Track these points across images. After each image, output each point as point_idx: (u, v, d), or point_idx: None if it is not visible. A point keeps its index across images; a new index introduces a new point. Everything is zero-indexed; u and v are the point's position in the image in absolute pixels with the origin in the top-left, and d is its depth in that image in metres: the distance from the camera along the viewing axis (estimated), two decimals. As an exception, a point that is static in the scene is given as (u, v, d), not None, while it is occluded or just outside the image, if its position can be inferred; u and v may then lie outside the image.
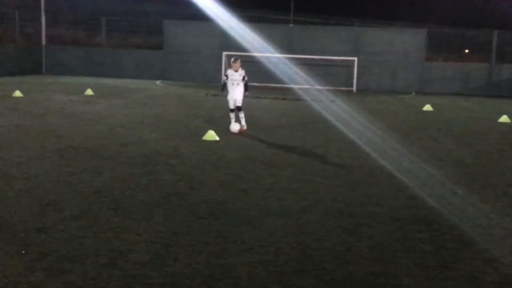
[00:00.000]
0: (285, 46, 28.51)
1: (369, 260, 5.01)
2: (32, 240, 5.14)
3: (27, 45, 29.99)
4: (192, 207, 6.42)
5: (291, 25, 33.73)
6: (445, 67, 29.22)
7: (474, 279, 4.69)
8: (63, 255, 4.79)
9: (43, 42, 30.85)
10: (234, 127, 12.00)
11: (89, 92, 19.71)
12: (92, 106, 15.99)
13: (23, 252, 4.84)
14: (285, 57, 27.41)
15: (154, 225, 5.70)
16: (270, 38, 28.03)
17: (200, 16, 29.68)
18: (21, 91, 18.27)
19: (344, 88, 27.46)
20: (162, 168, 8.34)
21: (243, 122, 12.32)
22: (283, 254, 5.06)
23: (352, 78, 27.61)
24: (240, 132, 11.95)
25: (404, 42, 28.66)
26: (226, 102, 12.44)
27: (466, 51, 35.34)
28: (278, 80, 26.72)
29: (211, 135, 11.06)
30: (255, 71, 27.01)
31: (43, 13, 30.62)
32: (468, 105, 22.19)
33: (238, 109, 12.15)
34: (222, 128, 12.17)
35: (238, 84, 12.02)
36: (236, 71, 12.03)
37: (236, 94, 12.05)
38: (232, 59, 12.32)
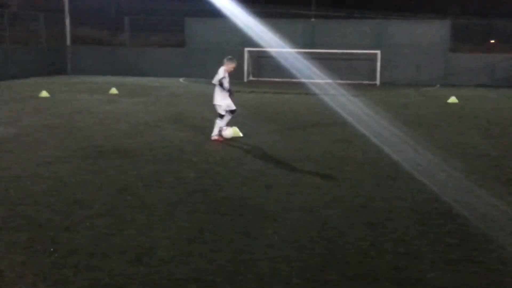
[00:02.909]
0: (307, 41, 28.42)
1: (393, 254, 5.00)
2: (60, 238, 5.25)
3: (52, 46, 30.46)
4: (216, 203, 6.48)
5: (313, 19, 33.58)
6: (471, 58, 28.73)
7: (499, 272, 4.64)
8: (90, 252, 4.89)
9: (68, 42, 31.29)
10: (228, 132, 10.81)
11: (113, 91, 19.95)
12: (116, 105, 16.19)
13: (52, 249, 4.95)
14: (307, 52, 27.30)
15: (178, 222, 5.77)
16: (292, 33, 27.96)
17: (221, 13, 29.74)
18: (48, 91, 18.59)
19: (367, 82, 27.26)
20: (186, 165, 8.43)
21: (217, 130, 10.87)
22: (306, 249, 5.08)
23: (375, 72, 27.37)
24: (221, 141, 10.66)
25: (427, 33, 28.28)
26: (218, 107, 10.77)
27: (492, 41, 34.71)
28: (300, 75, 26.64)
29: (235, 131, 11.09)
30: (277, 66, 27.02)
31: (67, 14, 31.06)
32: (495, 96, 21.82)
33: (233, 112, 10.90)
34: (246, 125, 12.20)
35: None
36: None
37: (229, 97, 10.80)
38: (230, 58, 11.00)
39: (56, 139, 10.46)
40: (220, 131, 10.74)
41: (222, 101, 10.70)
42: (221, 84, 10.57)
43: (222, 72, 10.65)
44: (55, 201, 6.46)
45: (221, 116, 10.71)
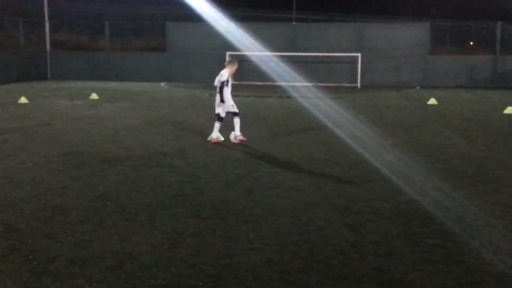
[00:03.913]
0: (288, 44, 28.52)
1: (374, 255, 5.02)
2: (39, 245, 5.19)
3: (31, 51, 30.15)
4: (198, 208, 6.45)
5: (294, 23, 33.71)
6: (449, 60, 29.10)
7: (480, 271, 4.69)
8: (70, 259, 4.84)
9: (48, 48, 31.00)
10: (232, 136, 10.88)
11: (94, 96, 19.79)
12: (97, 110, 16.06)
13: (30, 257, 4.88)
14: (289, 55, 27.40)
15: (159, 227, 5.73)
16: (273, 36, 28.04)
17: (202, 17, 29.71)
18: (27, 98, 18.37)
19: (348, 85, 27.42)
20: (168, 170, 8.39)
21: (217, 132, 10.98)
22: (288, 252, 5.08)
23: (356, 74, 27.55)
24: (218, 143, 10.77)
25: (407, 36, 28.56)
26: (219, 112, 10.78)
27: (471, 43, 35.19)
28: (282, 79, 26.71)
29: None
30: (258, 70, 27.06)
31: (46, 19, 30.78)
32: (473, 97, 22.09)
33: (236, 114, 10.91)
34: (227, 129, 12.18)
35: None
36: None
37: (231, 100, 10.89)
38: (231, 60, 11.28)
39: (35, 145, 10.34)
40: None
41: (227, 101, 10.71)
42: (221, 88, 10.58)
43: (226, 75, 10.65)
44: (34, 207, 6.38)
45: (221, 119, 10.74)
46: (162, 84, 28.14)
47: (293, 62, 27.20)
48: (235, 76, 10.82)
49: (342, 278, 4.54)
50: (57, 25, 32.56)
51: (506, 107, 16.84)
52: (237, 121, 10.88)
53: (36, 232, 5.53)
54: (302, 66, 27.03)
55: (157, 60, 30.36)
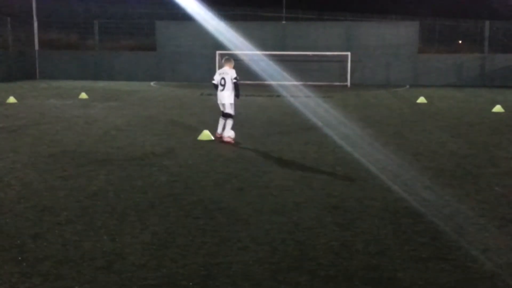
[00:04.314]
0: (278, 43, 28.54)
1: (364, 254, 5.04)
2: (28, 246, 5.15)
3: (20, 50, 29.93)
4: (188, 207, 6.44)
5: (284, 22, 33.74)
6: (438, 59, 29.29)
7: (469, 269, 4.72)
8: (59, 260, 4.81)
9: (36, 47, 30.80)
10: (225, 133, 10.81)
11: (83, 95, 19.71)
12: (86, 110, 15.99)
13: (20, 258, 4.85)
14: (278, 54, 27.41)
15: (149, 227, 5.72)
16: (263, 35, 28.06)
17: (192, 17, 29.66)
18: (15, 97, 18.26)
19: (338, 83, 27.50)
20: (158, 170, 8.37)
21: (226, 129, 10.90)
22: (279, 251, 5.09)
23: (346, 73, 27.64)
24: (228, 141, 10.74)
25: (396, 35, 28.72)
26: (231, 107, 10.83)
27: (459, 42, 35.40)
28: (272, 78, 26.72)
29: (206, 135, 11.07)
30: (249, 69, 27.06)
31: (35, 18, 30.57)
32: (462, 96, 22.24)
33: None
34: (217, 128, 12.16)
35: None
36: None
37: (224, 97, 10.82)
38: (227, 58, 11.14)
39: (24, 145, 10.27)
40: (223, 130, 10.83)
41: (232, 99, 10.79)
42: (237, 85, 10.73)
43: (235, 72, 10.80)
44: (23, 208, 6.34)
45: (231, 116, 10.76)
46: (152, 83, 28.08)
47: (283, 61, 27.23)
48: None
49: (332, 277, 4.55)
50: (46, 24, 32.33)
51: (494, 105, 16.98)
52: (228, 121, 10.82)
53: (25, 233, 5.49)
54: (292, 65, 27.08)
55: (146, 59, 30.29)
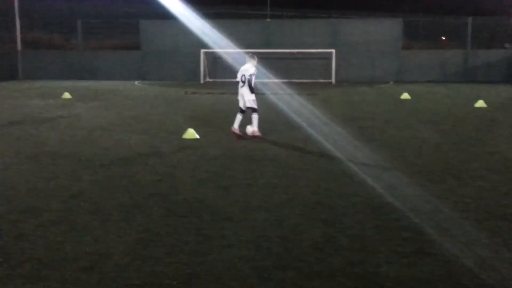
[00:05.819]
0: (263, 41, 28.53)
1: (348, 250, 5.07)
2: (10, 247, 5.11)
3: (2, 50, 29.60)
4: (173, 206, 6.43)
5: (268, 19, 33.74)
6: (422, 55, 29.48)
7: (451, 263, 4.77)
8: (42, 262, 4.77)
9: (19, 47, 30.48)
10: (249, 129, 11.08)
11: (66, 95, 19.55)
12: (69, 110, 15.86)
13: (1, 260, 4.80)
14: (263, 52, 27.40)
15: (134, 226, 5.69)
16: (248, 33, 28.03)
17: (176, 15, 29.53)
18: (-3, 98, 18.06)
19: (323, 80, 27.58)
20: (142, 169, 8.33)
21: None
22: (263, 249, 5.10)
23: (330, 70, 27.72)
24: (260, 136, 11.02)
25: (380, 32, 28.83)
26: (252, 102, 10.96)
27: (443, 38, 35.67)
28: (256, 76, 26.69)
29: (191, 133, 11.05)
30: (233, 67, 27.03)
31: (17, 18, 30.24)
32: (445, 91, 22.42)
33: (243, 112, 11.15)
34: (202, 126, 12.15)
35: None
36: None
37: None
38: (252, 55, 11.33)
39: (6, 146, 10.16)
40: (236, 126, 11.00)
41: (251, 95, 10.89)
42: (250, 81, 10.82)
43: (253, 69, 10.91)
44: (5, 209, 6.27)
45: (255, 110, 10.92)
46: (136, 82, 27.93)
47: (268, 58, 27.21)
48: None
49: (317, 274, 4.57)
50: (29, 23, 32.00)
51: (477, 100, 17.13)
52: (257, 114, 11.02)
53: (7, 234, 5.44)
54: (276, 62, 27.07)
55: (130, 59, 30.10)
